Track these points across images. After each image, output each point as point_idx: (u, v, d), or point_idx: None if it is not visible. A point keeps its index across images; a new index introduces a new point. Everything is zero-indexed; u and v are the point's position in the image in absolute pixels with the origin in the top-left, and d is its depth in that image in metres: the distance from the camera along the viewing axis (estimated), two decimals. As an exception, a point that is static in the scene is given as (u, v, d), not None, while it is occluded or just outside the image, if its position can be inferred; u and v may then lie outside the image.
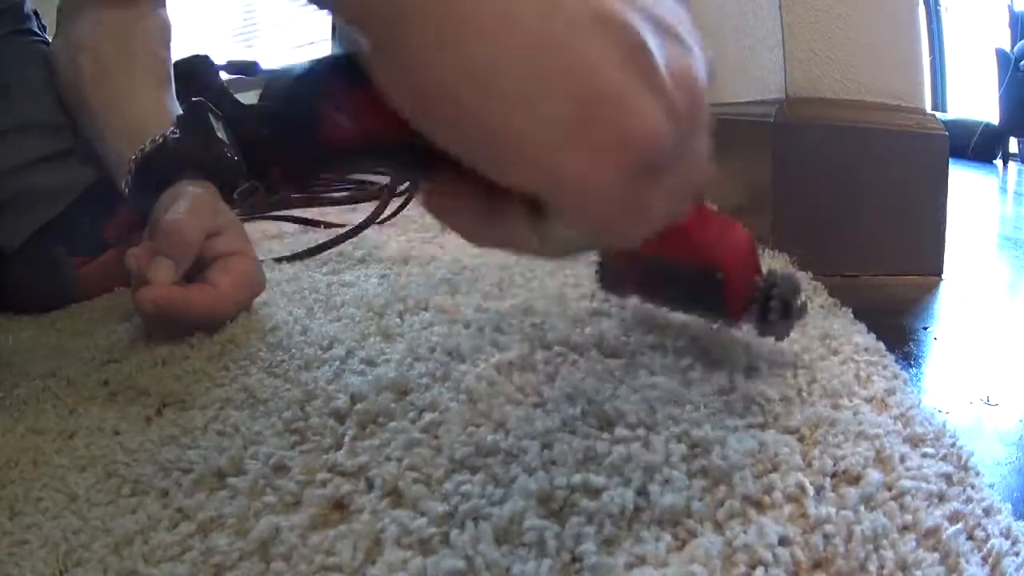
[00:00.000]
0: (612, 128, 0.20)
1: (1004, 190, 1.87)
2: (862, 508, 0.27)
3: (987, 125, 2.60)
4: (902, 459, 0.31)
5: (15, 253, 0.60)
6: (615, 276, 0.45)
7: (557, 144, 0.20)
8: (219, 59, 1.44)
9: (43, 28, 0.69)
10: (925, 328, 0.56)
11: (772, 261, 0.67)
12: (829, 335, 0.45)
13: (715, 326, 0.41)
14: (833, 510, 0.27)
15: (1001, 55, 2.75)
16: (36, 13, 0.69)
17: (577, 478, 0.29)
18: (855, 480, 0.30)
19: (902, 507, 0.28)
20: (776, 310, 0.37)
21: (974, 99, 2.93)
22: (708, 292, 0.38)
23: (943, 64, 3.20)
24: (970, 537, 0.26)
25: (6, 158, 0.61)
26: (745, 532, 0.26)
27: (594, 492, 0.29)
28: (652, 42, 0.21)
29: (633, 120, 0.20)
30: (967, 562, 0.25)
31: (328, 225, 0.93)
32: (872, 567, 0.25)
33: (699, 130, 0.23)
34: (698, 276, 0.37)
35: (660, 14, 0.22)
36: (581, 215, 0.22)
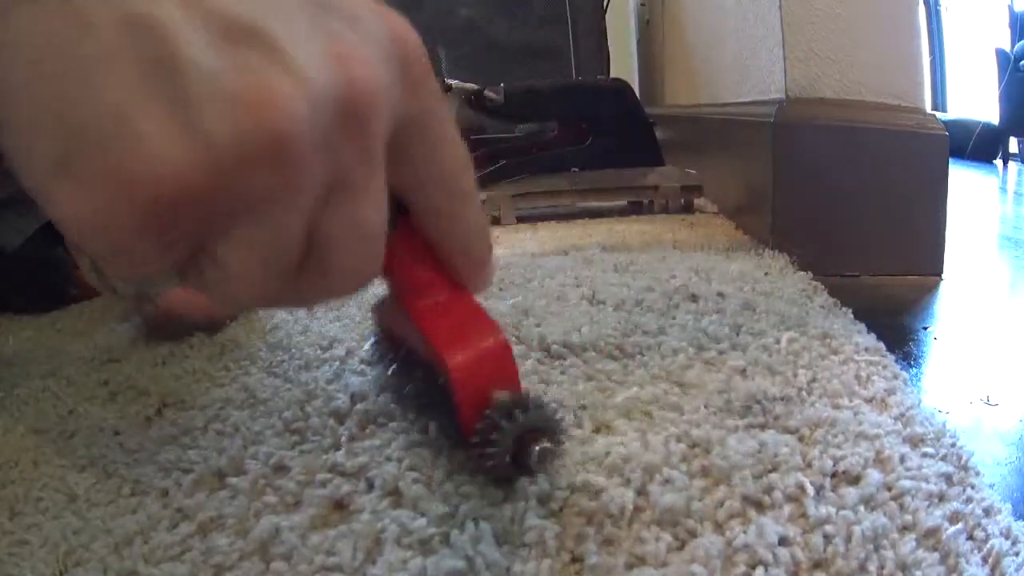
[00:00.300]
0: (99, 159, 0.17)
1: (1004, 190, 1.87)
2: (862, 508, 0.27)
3: (986, 125, 2.60)
4: (902, 459, 0.31)
5: (15, 253, 0.60)
6: (382, 349, 0.36)
7: (47, 173, 0.17)
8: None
9: None
10: (925, 328, 0.56)
11: (772, 261, 0.67)
12: (829, 335, 0.45)
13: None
14: (833, 510, 0.27)
15: (1001, 55, 2.74)
16: None
17: (577, 478, 0.29)
18: (855, 480, 0.30)
19: (902, 507, 0.28)
20: (500, 445, 0.26)
21: (974, 99, 2.93)
22: (439, 399, 0.28)
23: (943, 64, 3.20)
24: (970, 537, 0.26)
25: (6, 158, 0.61)
26: (745, 532, 0.26)
27: (594, 492, 0.29)
28: (200, 54, 0.17)
29: (127, 149, 0.17)
30: (967, 562, 0.25)
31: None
32: (872, 567, 0.25)
33: (298, 187, 0.19)
34: (430, 375, 0.28)
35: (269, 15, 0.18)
36: (96, 254, 0.18)
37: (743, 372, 0.39)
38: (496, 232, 0.85)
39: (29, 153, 0.18)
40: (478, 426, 0.27)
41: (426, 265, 0.27)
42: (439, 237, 0.26)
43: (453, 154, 0.25)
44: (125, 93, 0.17)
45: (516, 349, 0.42)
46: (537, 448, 0.27)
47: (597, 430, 0.33)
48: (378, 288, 0.30)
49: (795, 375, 0.39)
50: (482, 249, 0.27)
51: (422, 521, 0.27)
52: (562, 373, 0.40)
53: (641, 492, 0.29)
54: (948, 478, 0.30)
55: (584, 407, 0.35)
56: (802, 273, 0.63)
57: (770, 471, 0.30)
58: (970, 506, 0.28)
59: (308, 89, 0.18)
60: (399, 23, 0.22)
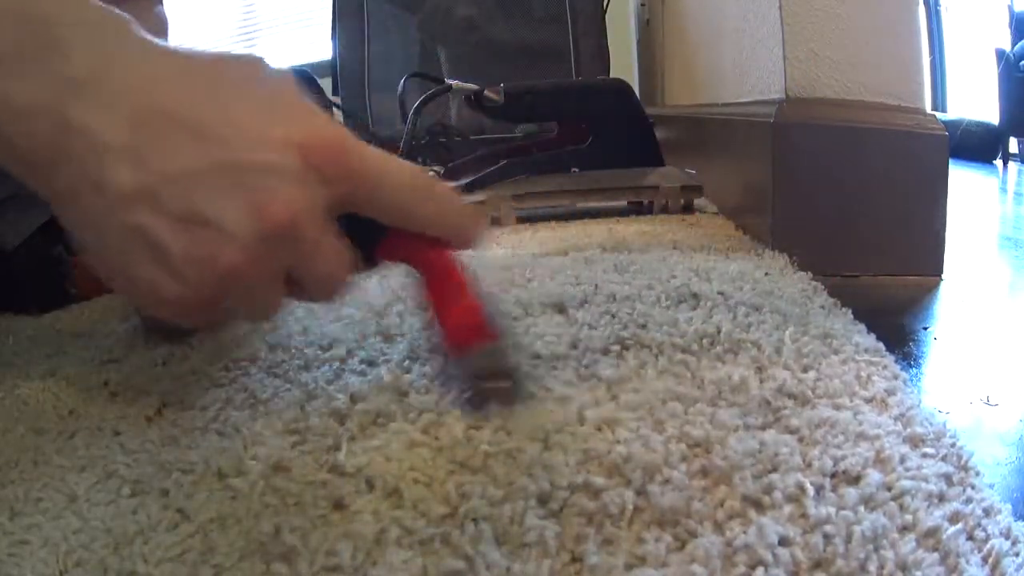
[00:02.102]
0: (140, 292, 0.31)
1: (1004, 190, 1.87)
2: (862, 508, 0.27)
3: (972, 124, 2.59)
4: (902, 459, 0.31)
5: (15, 252, 0.60)
6: None
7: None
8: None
9: None
10: (925, 328, 0.56)
11: (772, 261, 0.67)
12: (829, 335, 0.45)
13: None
14: (833, 510, 0.27)
15: (1001, 55, 2.74)
16: None
17: (577, 478, 0.29)
18: (855, 480, 0.30)
19: (902, 507, 0.28)
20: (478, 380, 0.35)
21: (974, 99, 2.93)
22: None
23: (943, 64, 3.20)
24: (970, 537, 0.26)
25: None
26: (745, 532, 0.26)
27: (594, 492, 0.29)
28: (171, 239, 0.29)
29: (150, 291, 0.30)
30: (967, 562, 0.25)
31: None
32: (872, 567, 0.25)
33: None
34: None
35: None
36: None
37: (743, 372, 0.39)
38: (496, 232, 0.85)
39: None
40: (461, 366, 0.35)
41: (419, 251, 0.35)
42: (420, 228, 0.34)
43: (397, 179, 0.33)
44: (141, 265, 0.30)
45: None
46: (500, 384, 0.34)
47: (599, 428, 0.33)
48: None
49: (796, 375, 0.39)
50: (457, 216, 0.35)
51: (422, 521, 0.27)
52: (563, 372, 0.40)
53: (641, 492, 0.29)
54: (948, 478, 0.30)
55: (587, 406, 0.35)
56: (802, 273, 0.63)
57: (770, 471, 0.30)
58: (970, 506, 0.28)
59: (239, 242, 0.29)
60: (313, 134, 0.30)
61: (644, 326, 0.45)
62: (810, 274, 0.63)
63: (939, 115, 0.76)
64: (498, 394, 0.34)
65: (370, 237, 0.34)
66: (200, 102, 0.30)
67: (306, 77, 1.36)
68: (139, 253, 0.29)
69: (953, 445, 0.32)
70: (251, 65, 0.32)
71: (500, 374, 0.35)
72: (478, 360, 0.35)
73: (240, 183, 0.29)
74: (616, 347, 0.42)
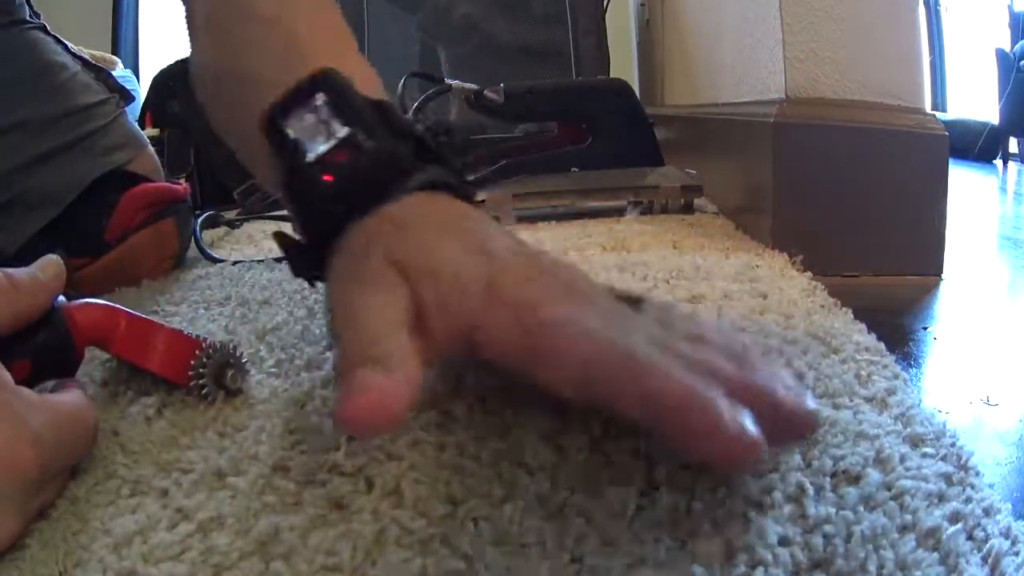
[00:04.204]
0: None
1: (1004, 190, 1.87)
2: (862, 508, 0.27)
3: (958, 122, 2.59)
4: (902, 459, 0.31)
5: (15, 255, 0.60)
6: None
7: None
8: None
9: (36, 15, 0.69)
10: (925, 328, 0.56)
11: (772, 261, 0.67)
12: (829, 335, 0.45)
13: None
14: (833, 510, 0.27)
15: (1001, 55, 2.74)
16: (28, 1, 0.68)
17: (578, 478, 0.29)
18: (855, 480, 0.30)
19: (902, 507, 0.28)
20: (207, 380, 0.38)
21: (974, 99, 2.93)
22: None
23: (943, 64, 3.20)
24: (970, 537, 0.26)
25: (5, 159, 0.61)
26: (745, 532, 0.26)
27: (594, 492, 0.29)
28: None
29: None
30: (967, 562, 0.25)
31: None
32: (872, 567, 0.25)
33: None
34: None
35: None
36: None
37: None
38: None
39: None
40: (190, 375, 0.38)
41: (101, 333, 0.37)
42: None
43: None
44: None
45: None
46: (230, 373, 0.38)
47: (601, 428, 0.33)
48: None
49: (797, 374, 0.39)
50: None
51: (422, 521, 0.27)
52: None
53: (642, 492, 0.29)
54: (948, 478, 0.30)
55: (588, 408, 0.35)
56: (802, 273, 0.63)
57: (770, 471, 0.30)
58: (970, 506, 0.28)
59: None
60: None
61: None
62: (810, 274, 0.63)
63: (938, 115, 0.76)
64: (235, 376, 0.39)
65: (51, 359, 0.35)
66: None
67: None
68: None
69: (953, 445, 0.32)
70: None
71: (225, 367, 0.38)
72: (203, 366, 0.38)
73: None
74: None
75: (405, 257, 0.30)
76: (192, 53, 0.45)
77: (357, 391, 0.25)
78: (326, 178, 0.34)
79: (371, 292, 0.30)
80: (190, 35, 0.46)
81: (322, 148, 0.35)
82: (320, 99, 0.36)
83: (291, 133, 0.35)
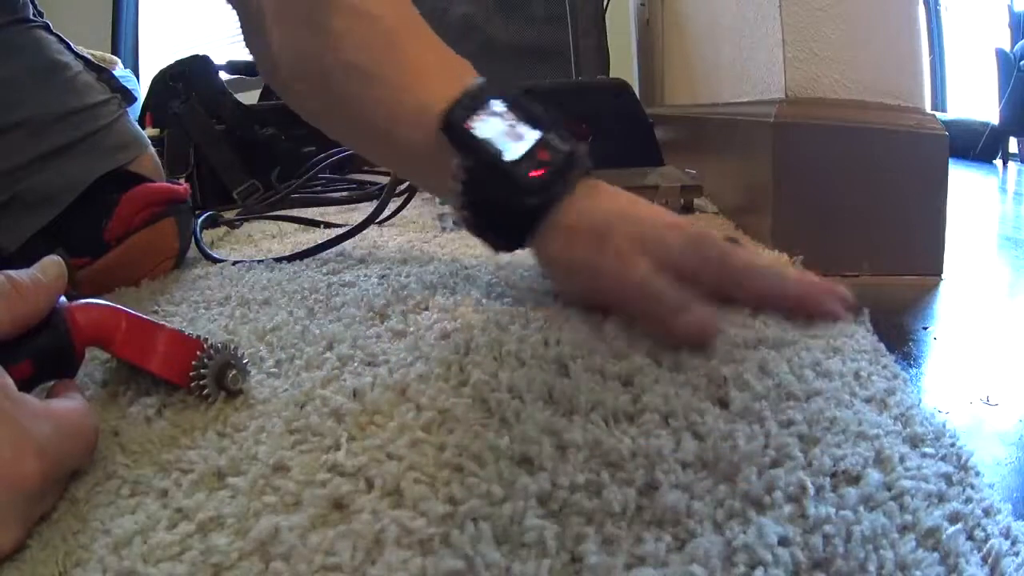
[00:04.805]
0: None
1: (1004, 190, 1.87)
2: (862, 508, 0.27)
3: (958, 121, 2.59)
4: (902, 459, 0.31)
5: (15, 254, 0.60)
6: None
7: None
8: (219, 59, 1.44)
9: (39, 13, 0.68)
10: (925, 328, 0.56)
11: (772, 261, 0.67)
12: (829, 335, 0.45)
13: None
14: (833, 510, 0.27)
15: (1001, 55, 2.74)
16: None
17: (579, 478, 0.29)
18: (855, 480, 0.30)
19: (902, 507, 0.28)
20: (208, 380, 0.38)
21: (974, 99, 2.93)
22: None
23: (943, 64, 3.20)
24: (970, 537, 0.26)
25: (6, 158, 0.61)
26: (745, 532, 0.26)
27: (595, 491, 0.29)
28: None
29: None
30: (967, 562, 0.25)
31: (328, 225, 0.93)
32: (872, 567, 0.25)
33: None
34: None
35: None
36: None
37: (745, 371, 0.39)
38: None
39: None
40: (191, 375, 0.38)
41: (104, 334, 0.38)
42: None
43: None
44: None
45: (520, 347, 0.42)
46: (231, 374, 0.38)
47: (604, 428, 0.33)
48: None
49: (795, 373, 0.39)
50: None
51: (422, 521, 0.27)
52: (565, 371, 0.39)
53: (642, 491, 0.29)
54: (948, 478, 0.30)
55: (590, 405, 0.35)
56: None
57: (771, 466, 0.30)
58: (970, 506, 0.28)
59: None
60: None
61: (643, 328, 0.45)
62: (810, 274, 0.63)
63: (938, 115, 0.76)
64: (235, 376, 0.38)
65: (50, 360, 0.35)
66: None
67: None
68: None
69: (953, 445, 0.32)
70: None
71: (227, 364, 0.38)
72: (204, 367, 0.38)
73: None
74: (618, 347, 0.42)
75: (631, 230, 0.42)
76: (263, 45, 0.53)
77: (699, 317, 0.39)
78: (533, 174, 0.42)
79: (634, 263, 0.41)
80: (254, 29, 0.54)
81: (524, 148, 0.43)
82: (499, 105, 0.45)
83: (478, 134, 0.43)
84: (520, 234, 0.45)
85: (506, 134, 0.43)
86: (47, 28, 0.67)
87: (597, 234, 0.42)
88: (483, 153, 0.43)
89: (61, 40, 0.69)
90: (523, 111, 0.45)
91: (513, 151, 0.43)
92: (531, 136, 0.43)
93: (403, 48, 0.49)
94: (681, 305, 0.39)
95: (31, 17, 0.66)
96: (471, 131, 0.43)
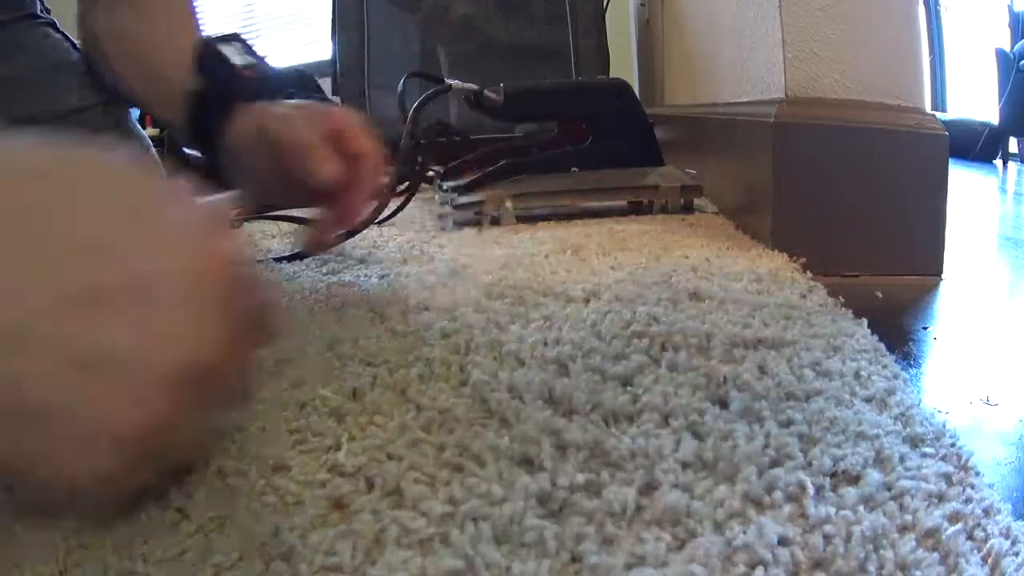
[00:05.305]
0: None
1: (1004, 190, 1.87)
2: (862, 508, 0.27)
3: (958, 121, 2.59)
4: (902, 459, 0.31)
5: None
6: None
7: None
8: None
9: (46, 10, 0.69)
10: (925, 328, 0.56)
11: (772, 261, 0.67)
12: (829, 334, 0.45)
13: None
14: (833, 510, 0.27)
15: (1001, 55, 2.74)
16: None
17: (579, 478, 0.29)
18: (855, 480, 0.30)
19: (902, 507, 0.28)
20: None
21: (974, 99, 2.93)
22: None
23: (943, 64, 3.20)
24: (970, 537, 0.26)
25: None
26: (745, 532, 0.26)
27: (595, 491, 0.29)
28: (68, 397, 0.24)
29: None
30: (967, 562, 0.25)
31: (328, 225, 0.93)
32: (872, 567, 0.25)
33: None
34: None
35: None
36: None
37: (744, 371, 0.39)
38: (496, 232, 0.85)
39: None
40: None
41: None
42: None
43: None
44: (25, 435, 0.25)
45: (520, 346, 0.42)
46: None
47: (605, 427, 0.33)
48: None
49: (795, 373, 0.39)
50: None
51: (422, 521, 0.27)
52: (567, 371, 0.40)
53: (642, 491, 0.29)
54: (948, 478, 0.30)
55: (591, 405, 0.35)
56: (802, 272, 0.63)
57: (771, 466, 0.30)
58: (970, 506, 0.28)
59: (132, 380, 0.25)
60: (196, 249, 0.28)
61: (648, 324, 0.45)
62: (810, 274, 0.63)
63: (938, 115, 0.76)
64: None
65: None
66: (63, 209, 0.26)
67: (306, 77, 1.36)
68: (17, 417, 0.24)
69: (953, 445, 0.32)
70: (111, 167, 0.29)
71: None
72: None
73: (130, 310, 0.25)
74: (619, 348, 0.42)
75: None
76: (92, 22, 0.66)
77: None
78: (248, 74, 0.60)
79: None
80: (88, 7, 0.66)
81: (246, 62, 0.61)
82: (238, 45, 0.62)
83: (224, 53, 0.61)
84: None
85: (239, 57, 0.61)
86: (53, 26, 0.68)
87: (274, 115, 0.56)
88: (221, 62, 0.60)
89: (67, 39, 0.69)
90: (250, 49, 0.63)
91: (240, 62, 0.61)
92: (252, 60, 0.62)
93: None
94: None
95: (38, 13, 0.67)
96: (220, 51, 0.61)
